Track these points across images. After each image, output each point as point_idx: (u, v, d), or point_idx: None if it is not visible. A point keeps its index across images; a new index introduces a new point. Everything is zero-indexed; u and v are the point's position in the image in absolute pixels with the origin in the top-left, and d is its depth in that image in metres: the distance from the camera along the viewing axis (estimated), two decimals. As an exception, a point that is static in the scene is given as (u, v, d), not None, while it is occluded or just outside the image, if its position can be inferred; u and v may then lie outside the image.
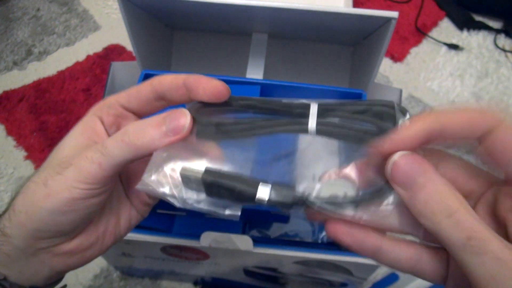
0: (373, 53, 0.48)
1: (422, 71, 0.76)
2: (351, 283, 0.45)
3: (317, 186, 0.22)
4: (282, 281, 0.49)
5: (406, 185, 0.19)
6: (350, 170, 0.22)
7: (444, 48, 0.79)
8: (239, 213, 0.22)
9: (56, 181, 0.22)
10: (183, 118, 0.22)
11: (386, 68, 0.76)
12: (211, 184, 0.21)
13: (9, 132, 0.67)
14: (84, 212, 0.22)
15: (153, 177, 0.22)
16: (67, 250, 0.24)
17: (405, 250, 0.21)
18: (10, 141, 0.66)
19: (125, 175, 0.27)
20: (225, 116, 0.24)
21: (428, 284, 0.53)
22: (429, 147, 0.21)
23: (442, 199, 0.18)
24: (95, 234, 0.25)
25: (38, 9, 0.84)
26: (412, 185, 0.19)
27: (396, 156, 0.19)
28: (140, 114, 0.25)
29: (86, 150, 0.22)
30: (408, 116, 0.21)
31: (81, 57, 0.76)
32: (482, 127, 0.20)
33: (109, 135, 0.24)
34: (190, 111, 0.23)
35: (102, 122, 0.24)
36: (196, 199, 0.22)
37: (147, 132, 0.22)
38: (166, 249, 0.41)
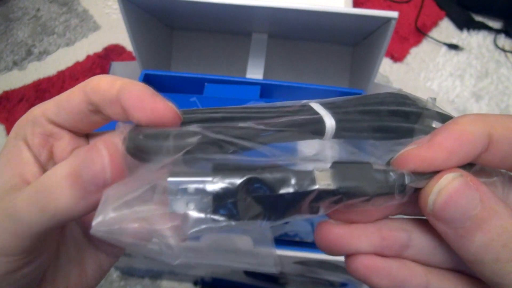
0: (373, 53, 0.48)
1: (422, 71, 0.76)
2: (351, 283, 0.45)
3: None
4: (282, 281, 0.49)
5: (455, 223, 0.13)
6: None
7: (444, 48, 0.79)
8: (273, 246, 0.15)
9: None
10: (99, 161, 0.15)
11: (386, 68, 0.76)
12: (249, 183, 0.14)
13: (10, 132, 0.67)
14: (18, 285, 0.17)
15: (112, 214, 0.14)
16: None
17: (455, 285, 0.15)
18: (10, 141, 0.66)
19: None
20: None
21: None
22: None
23: None
24: None
25: (38, 9, 0.84)
26: (465, 221, 0.13)
27: (443, 184, 0.13)
28: (77, 131, 0.19)
29: None
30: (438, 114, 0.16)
31: (81, 57, 0.76)
32: None
33: (40, 163, 0.18)
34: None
35: (28, 146, 0.18)
36: (210, 225, 0.14)
37: (62, 190, 0.15)
38: (166, 249, 0.41)
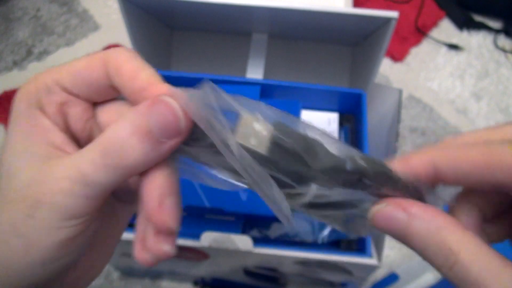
0: (373, 53, 0.48)
1: (422, 71, 0.76)
2: (351, 283, 0.45)
3: None
4: (282, 281, 0.49)
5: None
6: None
7: (444, 48, 0.79)
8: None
9: (30, 227, 0.16)
10: (172, 112, 0.17)
11: (386, 68, 0.76)
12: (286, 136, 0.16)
13: (9, 132, 0.67)
14: (79, 249, 0.18)
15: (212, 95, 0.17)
16: (69, 282, 0.19)
17: None
18: (10, 141, 0.66)
19: None
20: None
21: (428, 284, 0.53)
22: None
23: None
24: (95, 253, 0.20)
25: (38, 9, 0.84)
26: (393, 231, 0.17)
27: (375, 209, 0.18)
28: (89, 100, 0.19)
29: (52, 177, 0.16)
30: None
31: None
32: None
33: (62, 130, 0.18)
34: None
35: (45, 114, 0.18)
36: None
37: (133, 146, 0.16)
38: (166, 249, 0.41)
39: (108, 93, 0.19)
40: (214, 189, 0.37)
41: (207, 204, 0.38)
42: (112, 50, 0.18)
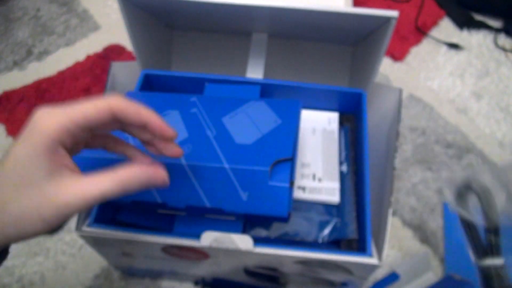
0: (373, 52, 0.48)
1: (422, 70, 0.76)
2: (352, 282, 0.45)
3: None
4: (282, 281, 0.49)
5: None
6: None
7: (444, 47, 0.79)
8: None
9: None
10: (163, 180, 0.29)
11: (386, 67, 0.76)
12: None
13: (10, 132, 0.67)
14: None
15: None
16: None
17: None
18: (11, 142, 0.67)
19: None
20: None
21: (428, 283, 0.53)
22: None
23: None
24: None
25: (38, 9, 0.84)
26: None
27: None
28: (92, 131, 0.27)
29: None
30: None
31: (81, 57, 0.76)
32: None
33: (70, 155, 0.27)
34: None
35: (64, 147, 0.25)
36: None
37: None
38: (166, 249, 0.41)
39: (109, 128, 0.28)
40: (215, 189, 0.37)
41: (207, 204, 0.38)
42: (111, 97, 0.26)
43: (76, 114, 0.25)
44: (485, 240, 0.45)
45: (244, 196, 0.37)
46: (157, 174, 0.28)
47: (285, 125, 0.41)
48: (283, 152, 0.38)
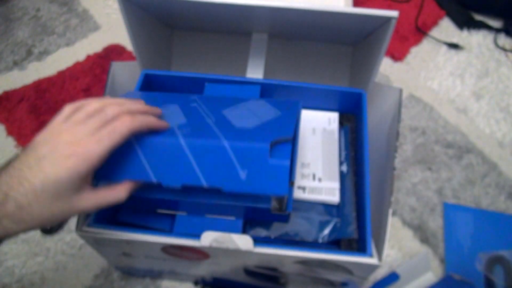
0: (373, 52, 0.48)
1: (422, 70, 0.76)
2: (352, 282, 0.45)
3: None
4: (282, 281, 0.49)
5: None
6: None
7: (444, 47, 0.79)
8: None
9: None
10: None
11: (386, 67, 0.76)
12: None
13: (10, 132, 0.67)
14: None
15: None
16: None
17: None
18: (11, 141, 0.66)
19: None
20: None
21: (428, 283, 0.53)
22: None
23: None
24: None
25: (38, 9, 0.84)
26: None
27: None
28: None
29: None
30: None
31: (81, 57, 0.76)
32: None
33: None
34: None
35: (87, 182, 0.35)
36: None
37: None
38: (166, 249, 0.41)
39: None
40: (213, 167, 0.36)
41: (204, 183, 0.36)
42: (131, 122, 0.34)
43: (110, 146, 0.32)
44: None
45: (243, 174, 0.35)
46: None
47: (285, 116, 0.41)
48: (284, 133, 0.37)
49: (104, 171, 0.34)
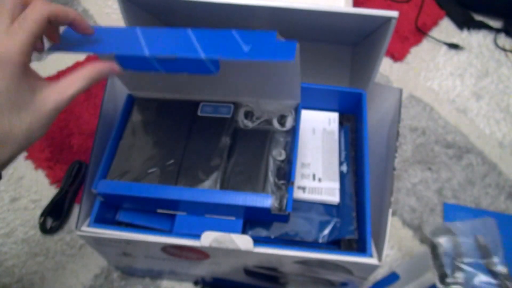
0: (373, 52, 0.48)
1: (422, 70, 0.76)
2: (352, 282, 0.45)
3: None
4: (282, 281, 0.49)
5: None
6: None
7: (444, 47, 0.79)
8: None
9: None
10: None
11: (386, 67, 0.76)
12: None
13: (10, 132, 0.67)
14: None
15: None
16: None
17: None
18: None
19: None
20: None
21: (428, 284, 0.53)
22: None
23: None
24: None
25: (38, 9, 0.84)
26: None
27: None
28: None
29: None
30: None
31: (81, 57, 0.76)
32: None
33: None
34: None
35: (29, 61, 0.32)
36: None
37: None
38: (166, 249, 0.41)
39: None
40: (213, 41, 0.33)
41: (201, 54, 0.32)
42: (43, 6, 0.30)
43: (27, 36, 0.29)
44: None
45: (245, 48, 0.32)
46: (113, 66, 0.33)
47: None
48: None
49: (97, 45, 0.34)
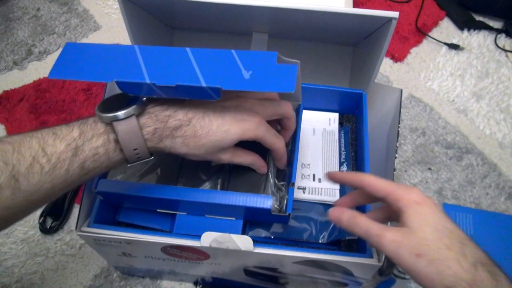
0: (374, 53, 0.48)
1: (422, 71, 0.76)
2: (352, 282, 0.45)
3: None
4: (282, 281, 0.49)
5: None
6: None
7: (445, 48, 0.79)
8: None
9: None
10: None
11: (387, 68, 0.76)
12: None
13: (10, 132, 0.67)
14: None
15: None
16: None
17: None
18: (11, 141, 0.66)
19: None
20: None
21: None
22: None
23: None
24: None
25: (38, 9, 0.84)
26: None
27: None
28: None
29: None
30: None
31: (81, 57, 0.76)
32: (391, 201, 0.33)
33: None
34: None
35: None
36: None
37: None
38: (166, 249, 0.41)
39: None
40: (214, 68, 0.33)
41: (203, 83, 0.32)
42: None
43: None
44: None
45: (246, 74, 0.32)
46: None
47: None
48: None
49: (97, 71, 0.34)
